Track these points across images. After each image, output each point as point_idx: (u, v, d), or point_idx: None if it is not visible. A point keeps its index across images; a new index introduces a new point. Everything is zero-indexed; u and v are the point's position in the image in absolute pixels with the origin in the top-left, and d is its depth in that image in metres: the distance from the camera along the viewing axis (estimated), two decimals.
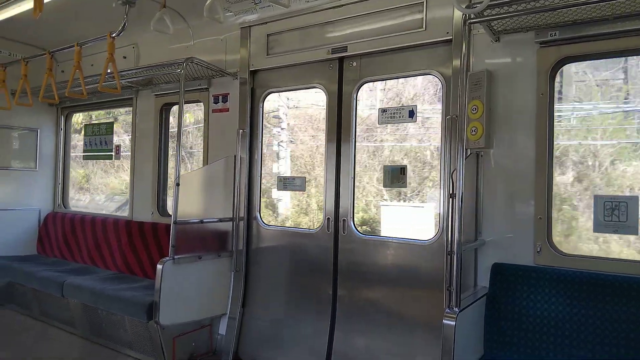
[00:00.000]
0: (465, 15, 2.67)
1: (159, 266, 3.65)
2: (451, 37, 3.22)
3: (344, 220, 3.75)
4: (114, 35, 3.81)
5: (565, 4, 2.46)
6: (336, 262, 3.77)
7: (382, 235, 3.67)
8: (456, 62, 3.17)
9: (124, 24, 3.73)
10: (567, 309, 2.68)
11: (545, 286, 2.77)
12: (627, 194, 2.80)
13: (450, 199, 2.62)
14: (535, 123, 2.93)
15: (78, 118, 6.19)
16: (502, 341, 2.82)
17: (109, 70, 3.94)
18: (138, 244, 4.81)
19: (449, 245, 2.61)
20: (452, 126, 3.08)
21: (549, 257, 2.86)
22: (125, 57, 5.04)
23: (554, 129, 2.94)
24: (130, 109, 5.23)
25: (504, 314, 2.84)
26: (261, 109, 4.25)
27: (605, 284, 2.62)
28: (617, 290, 2.58)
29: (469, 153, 3.06)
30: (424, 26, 3.34)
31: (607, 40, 2.75)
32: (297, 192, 4.12)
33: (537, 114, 2.92)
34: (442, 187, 3.28)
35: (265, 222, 4.22)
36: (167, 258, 3.70)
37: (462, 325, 2.49)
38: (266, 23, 4.12)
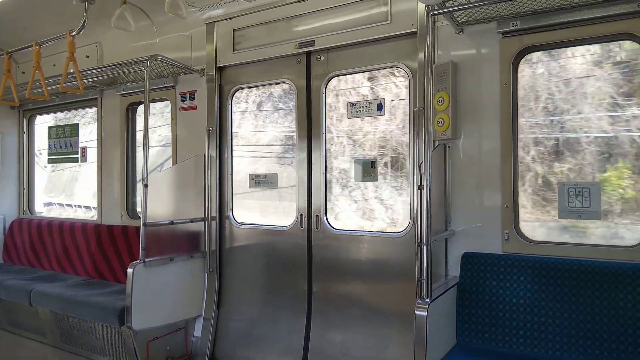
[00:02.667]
0: (428, 6, 2.68)
1: (130, 270, 3.58)
2: (416, 30, 3.23)
3: (317, 215, 3.73)
4: (73, 33, 3.69)
5: None
6: (310, 258, 3.76)
7: (355, 229, 3.67)
8: (421, 55, 3.18)
9: (84, 22, 3.62)
10: (536, 295, 2.74)
11: (513, 273, 2.82)
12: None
13: (419, 191, 2.64)
14: (499, 113, 2.97)
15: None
16: (474, 329, 2.86)
17: (70, 70, 3.82)
18: (108, 248, 4.70)
19: (419, 237, 2.62)
20: (419, 118, 3.10)
21: (516, 245, 2.91)
22: (88, 57, 4.90)
23: (518, 118, 2.98)
24: (96, 109, 5.10)
25: (475, 302, 2.88)
26: (230, 105, 4.20)
27: (571, 269, 2.68)
28: (582, 275, 2.64)
29: (436, 144, 3.08)
30: (389, 19, 3.35)
31: (566, 29, 2.80)
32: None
33: (501, 104, 2.96)
34: (411, 179, 3.29)
35: (237, 220, 4.17)
36: (138, 261, 3.63)
37: (433, 315, 2.51)
38: (232, 18, 4.06)
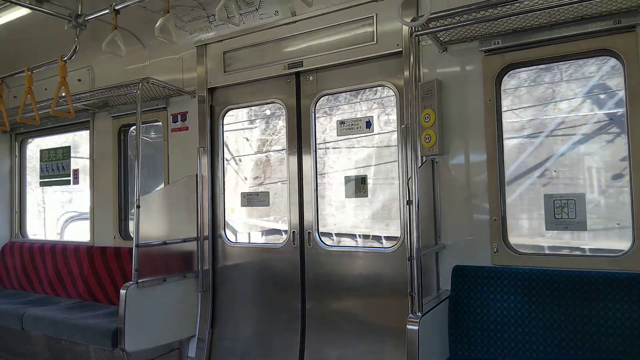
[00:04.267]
0: (412, 27, 2.77)
1: (122, 291, 3.57)
2: (401, 49, 3.32)
3: (309, 232, 3.76)
4: (65, 58, 3.74)
5: (504, 14, 2.58)
6: (303, 276, 3.78)
7: (347, 245, 3.70)
8: (407, 73, 3.26)
9: (75, 47, 3.67)
10: (526, 306, 2.77)
11: (504, 285, 2.85)
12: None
13: (408, 206, 2.68)
14: (484, 128, 3.04)
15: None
16: (467, 342, 2.88)
17: (62, 94, 3.86)
18: (100, 269, 4.69)
19: (409, 251, 2.66)
20: (406, 135, 3.16)
21: (505, 257, 2.95)
22: (80, 80, 4.95)
23: (503, 133, 3.05)
24: (88, 131, 5.13)
25: (467, 315, 2.91)
26: (221, 126, 4.25)
27: (560, 280, 2.72)
28: (571, 285, 2.68)
29: (424, 160, 3.14)
30: (375, 39, 3.43)
31: (546, 46, 2.89)
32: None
33: (486, 120, 3.04)
34: (400, 194, 3.34)
35: (230, 239, 4.19)
36: (131, 282, 3.62)
37: (425, 329, 2.53)
38: (222, 41, 4.14)
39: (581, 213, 2.82)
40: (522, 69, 3.07)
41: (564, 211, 2.85)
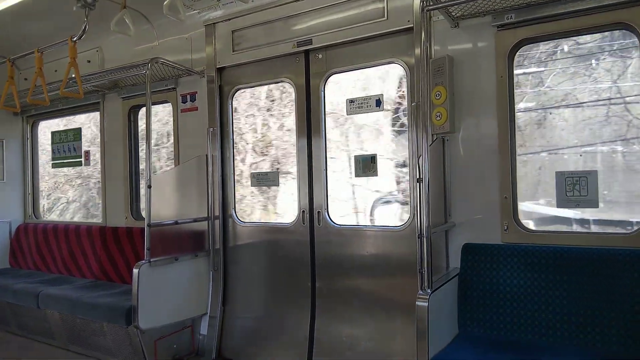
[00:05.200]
0: (423, 2, 2.72)
1: (135, 270, 3.62)
2: (412, 25, 3.27)
3: (318, 212, 3.78)
4: (74, 39, 3.74)
5: None
6: (313, 254, 3.80)
7: (356, 224, 3.71)
8: (418, 50, 3.22)
9: (85, 27, 3.67)
10: (535, 283, 2.77)
11: (513, 263, 2.85)
12: None
13: (418, 184, 2.68)
14: (496, 105, 3.01)
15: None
16: (476, 318, 2.89)
17: (72, 75, 3.87)
18: (113, 249, 4.76)
19: (419, 229, 2.66)
20: (417, 113, 3.13)
21: (515, 235, 2.94)
22: (89, 61, 4.96)
23: (515, 110, 3.01)
24: (98, 113, 5.16)
25: (476, 292, 2.92)
26: (230, 105, 4.25)
27: (569, 257, 2.71)
28: (581, 262, 2.67)
29: (434, 138, 3.12)
30: (385, 15, 3.38)
31: (560, 20, 2.83)
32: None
33: (498, 96, 3.00)
34: (411, 172, 3.33)
35: (240, 219, 4.22)
36: (143, 261, 3.67)
37: (435, 306, 2.55)
38: (230, 19, 4.11)
39: (593, 190, 2.79)
40: (536, 44, 3.02)
41: (575, 188, 2.83)
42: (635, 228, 2.70)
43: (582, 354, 2.53)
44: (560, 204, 2.88)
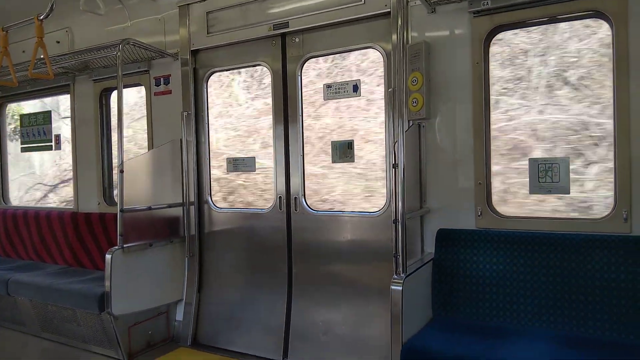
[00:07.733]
0: None
1: (108, 256, 3.57)
2: (389, 10, 3.24)
3: (295, 198, 3.76)
4: (41, 17, 3.59)
5: None
6: (290, 240, 3.80)
7: (333, 210, 3.70)
8: (394, 35, 3.20)
9: (52, 5, 3.52)
10: (508, 268, 2.83)
11: (487, 248, 2.90)
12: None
13: (394, 170, 2.68)
14: (471, 91, 3.02)
15: None
16: (450, 302, 2.94)
17: (40, 56, 3.72)
18: (86, 235, 4.66)
19: (394, 215, 2.67)
20: (393, 98, 3.12)
21: (489, 220, 2.99)
22: (58, 42, 4.79)
23: (490, 96, 3.03)
24: (68, 95, 5.00)
25: (450, 277, 2.96)
26: (205, 89, 4.16)
27: (541, 242, 2.77)
28: (552, 247, 2.73)
29: (410, 124, 3.12)
30: None
31: (535, 7, 2.85)
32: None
33: (473, 83, 3.01)
34: (387, 158, 3.34)
35: (216, 205, 4.17)
36: (116, 247, 3.62)
37: (409, 290, 2.57)
38: (205, 0, 4.00)
39: (564, 177, 2.84)
40: (511, 30, 3.03)
41: (547, 175, 2.88)
42: (605, 214, 2.76)
43: (552, 335, 2.59)
44: (532, 190, 2.92)
